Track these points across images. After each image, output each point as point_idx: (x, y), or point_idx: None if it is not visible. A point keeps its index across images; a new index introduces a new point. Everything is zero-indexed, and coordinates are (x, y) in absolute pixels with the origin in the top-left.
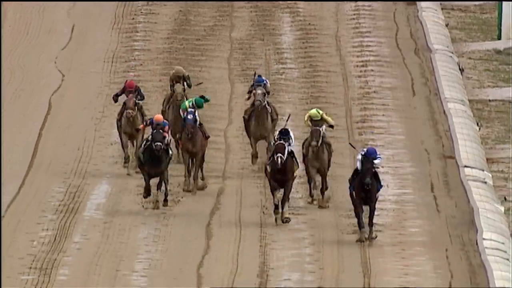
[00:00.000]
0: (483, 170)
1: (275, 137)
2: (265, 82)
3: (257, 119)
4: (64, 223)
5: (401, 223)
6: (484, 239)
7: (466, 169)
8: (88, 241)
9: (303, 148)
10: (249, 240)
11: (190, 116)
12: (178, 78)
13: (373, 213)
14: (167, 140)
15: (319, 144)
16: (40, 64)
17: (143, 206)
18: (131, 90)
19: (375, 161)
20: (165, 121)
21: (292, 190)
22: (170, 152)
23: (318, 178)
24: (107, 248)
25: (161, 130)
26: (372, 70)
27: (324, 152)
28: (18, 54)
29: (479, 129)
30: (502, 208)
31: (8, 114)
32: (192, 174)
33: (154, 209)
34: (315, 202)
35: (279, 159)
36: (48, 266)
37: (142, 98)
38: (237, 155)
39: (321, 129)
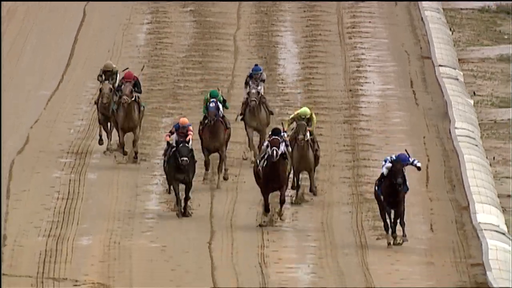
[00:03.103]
0: (455, 69)
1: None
2: (262, 71)
3: (253, 110)
4: (96, 114)
5: (385, 114)
6: (456, 128)
7: (440, 68)
8: None
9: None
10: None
11: (212, 104)
12: (107, 73)
13: (403, 215)
14: (191, 145)
15: (305, 139)
16: None
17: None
18: (129, 80)
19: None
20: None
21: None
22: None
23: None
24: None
25: (186, 144)
26: None
27: (309, 150)
28: None
29: (452, 33)
30: (472, 101)
31: (48, 22)
32: (217, 168)
33: (179, 216)
34: (295, 200)
35: (274, 151)
36: (83, 151)
37: (140, 91)
38: (244, 56)
39: (306, 124)
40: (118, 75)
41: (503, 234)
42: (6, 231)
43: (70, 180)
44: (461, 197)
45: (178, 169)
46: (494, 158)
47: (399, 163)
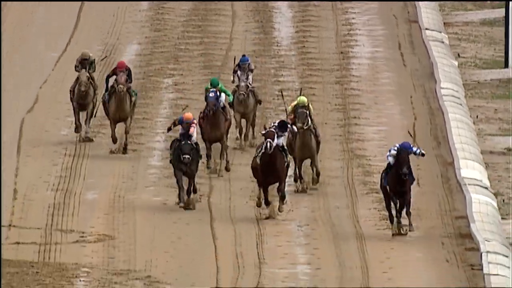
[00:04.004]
0: (440, 32)
1: (271, 126)
2: (249, 61)
3: (241, 101)
4: (102, 75)
5: (375, 75)
6: (441, 87)
7: (427, 31)
8: None
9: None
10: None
11: (211, 94)
12: (83, 61)
13: (410, 205)
14: (195, 138)
15: (305, 127)
16: None
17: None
18: (122, 70)
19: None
20: (193, 118)
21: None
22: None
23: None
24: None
25: (188, 141)
26: None
27: (311, 138)
28: None
29: None
30: (456, 63)
31: None
32: (220, 156)
33: (185, 209)
34: (306, 186)
35: (268, 143)
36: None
37: (131, 80)
38: (242, 19)
39: (307, 111)
40: (95, 63)
41: (486, 188)
42: (16, 185)
43: (77, 137)
44: (446, 153)
45: (182, 163)
46: (477, 116)
47: (405, 152)
